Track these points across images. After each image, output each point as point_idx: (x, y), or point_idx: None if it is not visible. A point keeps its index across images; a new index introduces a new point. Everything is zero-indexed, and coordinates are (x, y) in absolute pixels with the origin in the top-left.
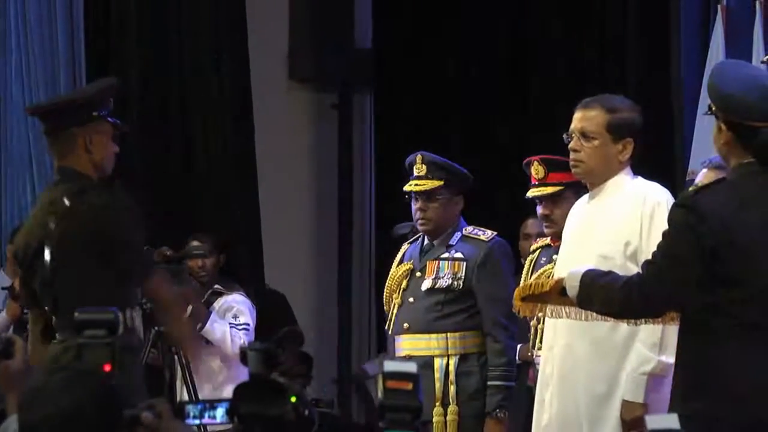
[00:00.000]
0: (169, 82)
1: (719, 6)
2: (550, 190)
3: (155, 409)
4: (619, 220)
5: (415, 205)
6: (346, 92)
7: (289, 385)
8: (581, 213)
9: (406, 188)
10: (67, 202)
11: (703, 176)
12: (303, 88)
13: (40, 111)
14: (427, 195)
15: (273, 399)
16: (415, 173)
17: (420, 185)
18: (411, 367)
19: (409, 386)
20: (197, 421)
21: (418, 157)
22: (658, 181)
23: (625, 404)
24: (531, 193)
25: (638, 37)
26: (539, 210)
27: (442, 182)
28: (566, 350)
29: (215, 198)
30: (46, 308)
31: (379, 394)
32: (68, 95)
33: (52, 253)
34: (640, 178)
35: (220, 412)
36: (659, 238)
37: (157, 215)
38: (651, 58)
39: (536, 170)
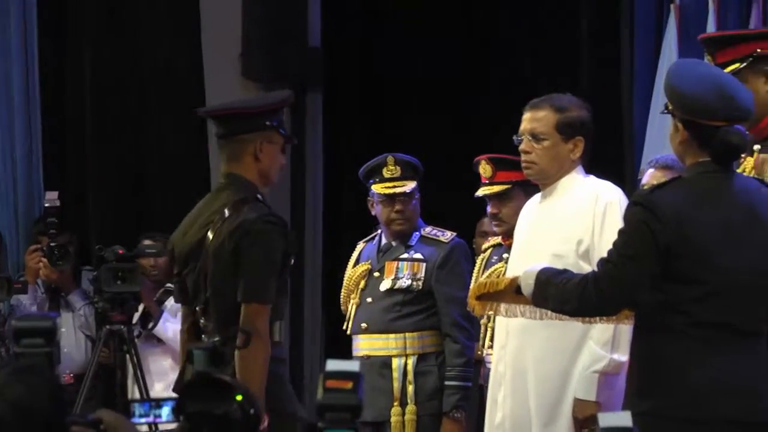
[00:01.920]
0: (123, 81)
1: (672, 5)
2: (497, 188)
3: (100, 424)
4: (571, 219)
5: (389, 207)
6: (299, 90)
7: (235, 384)
8: (533, 212)
9: (384, 191)
10: (227, 212)
11: (649, 176)
12: (256, 86)
13: (215, 114)
14: (407, 196)
15: (219, 397)
16: (387, 175)
17: (399, 186)
18: (352, 366)
19: (349, 385)
20: (143, 420)
21: (390, 159)
22: (608, 180)
23: (578, 402)
24: (480, 192)
25: (591, 36)
26: (488, 209)
27: (415, 182)
28: (519, 349)
29: (168, 196)
30: (197, 309)
31: (319, 394)
32: (244, 102)
33: (206, 260)
34: (592, 177)
35: (166, 410)
36: (612, 237)
37: (110, 213)
38: (603, 57)
39: (484, 169)
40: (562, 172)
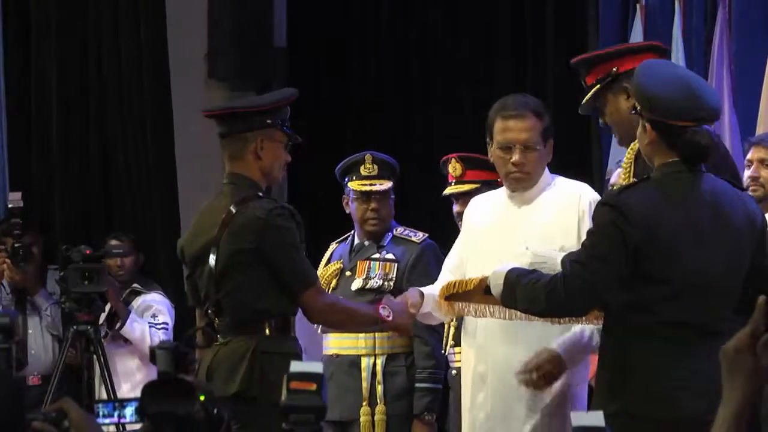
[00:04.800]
0: (89, 81)
1: (638, 4)
2: (467, 187)
3: (62, 415)
4: (555, 218)
5: (364, 205)
6: (264, 91)
7: (198, 384)
8: (502, 212)
9: (360, 188)
10: (232, 210)
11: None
12: (222, 86)
13: (216, 114)
14: (383, 195)
15: (182, 398)
16: (364, 173)
17: (375, 185)
18: (316, 367)
19: (313, 387)
20: (108, 420)
21: (368, 157)
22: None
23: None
24: (449, 190)
25: (557, 36)
26: (455, 208)
27: (392, 182)
28: (501, 348)
29: (134, 197)
30: (209, 311)
31: (282, 395)
32: (245, 101)
33: (216, 259)
34: (559, 177)
35: (129, 411)
36: None
37: (77, 214)
38: (570, 57)
39: (454, 168)
40: (543, 175)
